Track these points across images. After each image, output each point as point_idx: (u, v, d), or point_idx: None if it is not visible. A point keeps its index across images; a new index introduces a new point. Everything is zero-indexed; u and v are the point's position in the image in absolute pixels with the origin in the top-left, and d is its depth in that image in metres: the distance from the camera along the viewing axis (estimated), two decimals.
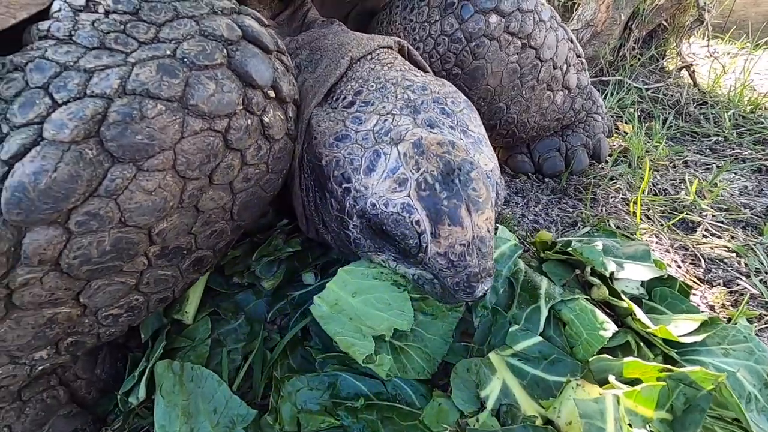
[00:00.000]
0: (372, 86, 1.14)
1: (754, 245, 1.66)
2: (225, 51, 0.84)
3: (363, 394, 1.06)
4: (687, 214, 1.84)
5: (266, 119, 0.94)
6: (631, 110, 2.99)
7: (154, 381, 1.10)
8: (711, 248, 1.65)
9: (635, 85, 3.24)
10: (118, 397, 1.08)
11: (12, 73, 0.75)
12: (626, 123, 2.83)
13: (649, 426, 0.88)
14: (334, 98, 1.18)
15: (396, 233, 0.93)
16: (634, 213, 1.85)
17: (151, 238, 0.86)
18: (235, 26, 0.88)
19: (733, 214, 1.86)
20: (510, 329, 1.08)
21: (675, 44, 3.62)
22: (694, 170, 2.29)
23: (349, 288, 1.02)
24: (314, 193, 1.17)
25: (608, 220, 1.68)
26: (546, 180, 2.14)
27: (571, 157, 2.09)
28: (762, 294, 1.44)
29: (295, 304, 1.38)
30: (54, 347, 0.90)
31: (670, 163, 2.34)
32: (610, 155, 2.30)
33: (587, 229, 1.67)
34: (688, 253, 1.64)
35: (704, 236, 1.74)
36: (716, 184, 2.09)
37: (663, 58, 3.66)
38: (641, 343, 1.05)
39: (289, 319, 1.36)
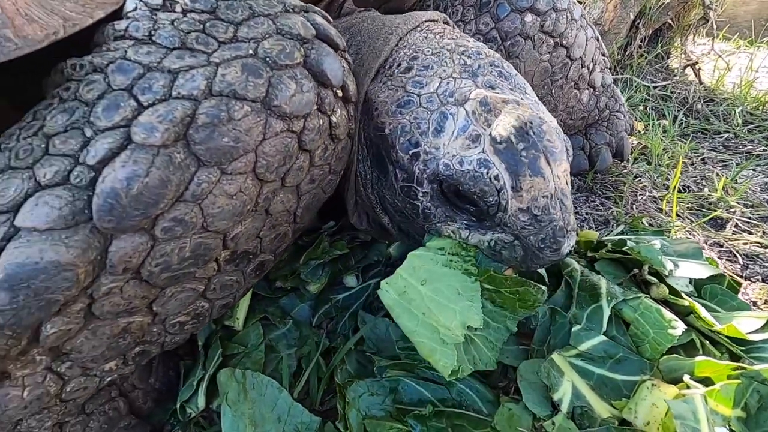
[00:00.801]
0: (428, 51, 1.12)
1: None
2: (302, 50, 0.82)
3: (427, 400, 1.03)
4: (718, 210, 1.85)
5: (334, 119, 0.92)
6: (641, 108, 3.02)
7: (211, 389, 1.08)
8: (744, 244, 1.67)
9: (643, 83, 3.27)
10: (176, 406, 1.05)
11: (92, 75, 0.72)
12: (637, 121, 2.85)
13: (730, 425, 0.88)
14: (387, 68, 1.15)
15: (474, 191, 0.90)
16: (662, 210, 1.86)
17: (225, 243, 0.84)
18: (309, 24, 0.85)
19: (758, 210, 1.88)
20: (573, 329, 1.07)
21: (680, 42, 3.66)
22: (712, 167, 2.31)
23: (419, 275, 0.97)
24: (372, 173, 1.15)
25: (642, 218, 1.68)
26: (571, 178, 2.14)
27: (595, 155, 2.10)
28: None
29: (340, 307, 1.36)
30: (122, 357, 0.87)
31: (689, 160, 2.36)
32: (630, 153, 2.31)
33: (621, 227, 1.67)
34: (723, 249, 1.65)
35: (734, 233, 1.75)
36: (737, 180, 2.11)
37: (668, 57, 3.69)
38: (706, 342, 1.05)
39: (336, 322, 1.34)
